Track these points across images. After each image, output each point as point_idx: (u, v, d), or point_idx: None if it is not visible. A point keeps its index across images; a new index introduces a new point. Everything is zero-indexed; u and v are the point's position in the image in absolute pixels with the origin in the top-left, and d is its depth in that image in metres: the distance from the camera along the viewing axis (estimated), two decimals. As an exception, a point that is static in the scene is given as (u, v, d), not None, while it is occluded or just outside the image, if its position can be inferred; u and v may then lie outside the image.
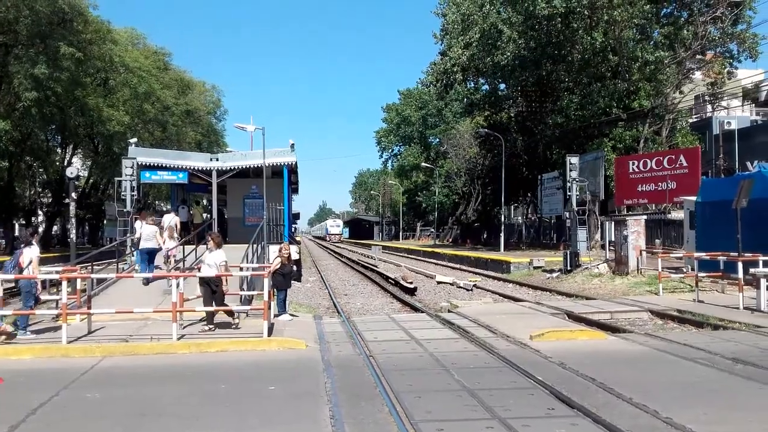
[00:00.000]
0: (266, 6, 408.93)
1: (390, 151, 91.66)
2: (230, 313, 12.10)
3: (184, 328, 11.78)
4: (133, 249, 18.82)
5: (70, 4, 35.05)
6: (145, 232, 16.72)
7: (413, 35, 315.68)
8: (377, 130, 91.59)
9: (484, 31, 38.78)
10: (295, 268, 13.39)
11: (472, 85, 49.58)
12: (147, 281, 15.65)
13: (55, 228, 56.23)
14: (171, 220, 18.76)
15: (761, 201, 16.93)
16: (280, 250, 13.66)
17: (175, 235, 18.17)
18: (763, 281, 13.45)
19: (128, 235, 20.69)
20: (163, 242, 17.19)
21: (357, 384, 8.19)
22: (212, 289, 11.86)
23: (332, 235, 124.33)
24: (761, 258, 14.29)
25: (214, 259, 12.08)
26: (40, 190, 54.37)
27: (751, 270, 13.99)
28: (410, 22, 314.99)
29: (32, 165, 46.93)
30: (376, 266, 36.70)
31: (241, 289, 14.44)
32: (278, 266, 13.18)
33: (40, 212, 55.59)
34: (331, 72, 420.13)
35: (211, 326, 11.71)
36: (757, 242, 15.29)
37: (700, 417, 6.57)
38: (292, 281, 14.28)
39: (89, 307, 11.94)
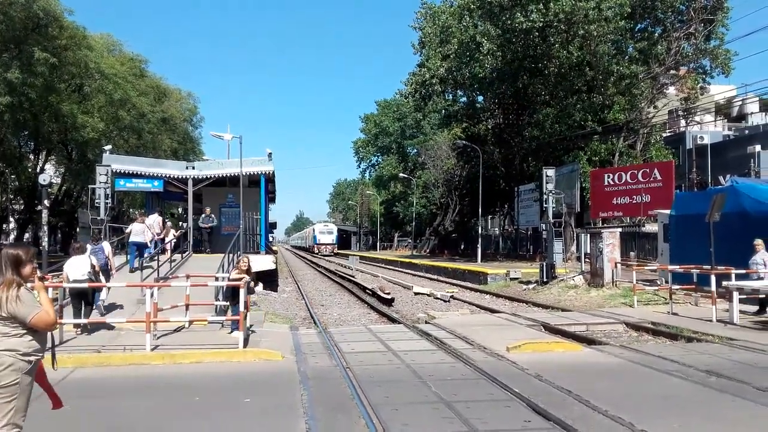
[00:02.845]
0: (243, 15, 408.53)
1: (368, 161, 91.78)
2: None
3: (158, 338, 11.62)
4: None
5: (45, 10, 34.56)
6: (135, 228, 19.59)
7: (392, 46, 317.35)
8: (355, 140, 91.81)
9: (462, 43, 39.06)
10: (252, 284, 12.79)
11: (450, 96, 49.87)
12: (133, 269, 17.64)
13: (26, 236, 55.26)
14: (156, 219, 21.82)
15: (734, 215, 17.23)
16: (237, 263, 13.06)
17: (173, 231, 22.78)
18: (735, 294, 13.63)
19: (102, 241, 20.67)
20: (160, 237, 20.94)
21: (334, 396, 8.13)
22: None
23: (322, 245, 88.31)
24: (734, 271, 14.51)
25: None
26: (12, 196, 53.44)
27: (724, 283, 14.18)
28: (389, 33, 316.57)
29: (4, 171, 46.12)
30: (353, 276, 36.59)
31: (217, 300, 14.29)
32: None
33: (11, 219, 54.64)
34: (309, 81, 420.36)
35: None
36: (729, 255, 15.53)
37: (674, 429, 6.63)
38: (269, 291, 14.05)
39: (61, 317, 11.71)
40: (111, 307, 14.28)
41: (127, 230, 20.27)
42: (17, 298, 4.23)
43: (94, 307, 13.09)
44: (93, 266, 12.64)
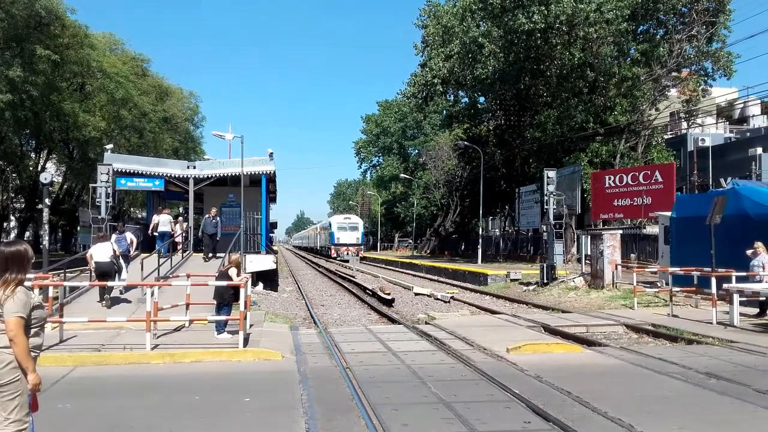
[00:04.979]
0: (246, 16, 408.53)
1: (369, 161, 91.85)
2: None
3: (158, 337, 11.62)
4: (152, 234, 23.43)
5: (47, 9, 34.61)
6: (162, 219, 22.70)
7: (394, 47, 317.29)
8: (356, 140, 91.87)
9: (464, 44, 39.05)
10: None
11: (452, 97, 49.87)
12: (164, 255, 18.55)
13: (27, 234, 55.26)
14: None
15: (734, 217, 17.22)
16: (230, 262, 12.92)
17: (183, 227, 25.26)
18: (735, 297, 13.62)
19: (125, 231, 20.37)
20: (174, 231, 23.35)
21: (333, 396, 8.13)
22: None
23: (343, 246, 63.86)
24: (734, 274, 14.49)
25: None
26: (13, 195, 53.45)
27: (725, 285, 14.16)
28: (391, 34, 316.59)
29: (5, 169, 46.14)
30: (353, 277, 36.59)
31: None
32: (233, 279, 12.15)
33: (12, 218, 54.63)
34: (310, 82, 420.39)
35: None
36: (730, 258, 15.51)
37: (674, 431, 6.62)
38: (269, 290, 14.09)
39: (61, 316, 11.74)
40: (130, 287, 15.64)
41: (154, 222, 22.92)
42: (12, 294, 4.20)
43: (115, 286, 15.13)
44: (114, 251, 15.06)
